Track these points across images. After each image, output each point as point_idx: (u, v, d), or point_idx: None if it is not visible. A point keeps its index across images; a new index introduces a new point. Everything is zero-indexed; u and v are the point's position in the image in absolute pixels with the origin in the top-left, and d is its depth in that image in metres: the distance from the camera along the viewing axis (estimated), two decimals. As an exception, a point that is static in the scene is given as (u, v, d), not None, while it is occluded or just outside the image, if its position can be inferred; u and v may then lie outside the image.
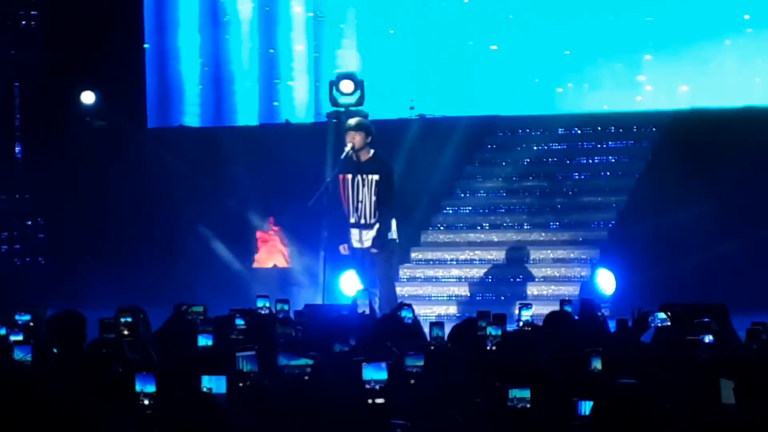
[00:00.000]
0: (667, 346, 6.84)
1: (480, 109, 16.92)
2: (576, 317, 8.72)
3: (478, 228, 15.54)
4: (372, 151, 12.42)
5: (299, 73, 18.03)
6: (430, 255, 15.27)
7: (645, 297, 10.93)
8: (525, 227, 15.44)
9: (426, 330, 8.32)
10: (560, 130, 16.25)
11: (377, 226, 12.35)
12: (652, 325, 8.20)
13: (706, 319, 8.16)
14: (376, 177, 12.30)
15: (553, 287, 14.32)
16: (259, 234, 15.84)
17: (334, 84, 15.33)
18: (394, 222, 12.53)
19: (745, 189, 14.54)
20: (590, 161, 16.03)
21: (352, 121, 12.68)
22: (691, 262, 14.07)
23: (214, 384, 5.31)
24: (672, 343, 6.86)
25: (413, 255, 15.19)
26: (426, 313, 13.29)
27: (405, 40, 17.62)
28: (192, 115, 18.16)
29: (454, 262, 15.14)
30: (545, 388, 5.21)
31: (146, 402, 5.39)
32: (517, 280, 14.63)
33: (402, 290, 13.51)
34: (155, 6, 18.08)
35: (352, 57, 17.67)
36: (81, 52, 16.96)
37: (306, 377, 5.65)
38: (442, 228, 15.71)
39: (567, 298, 10.12)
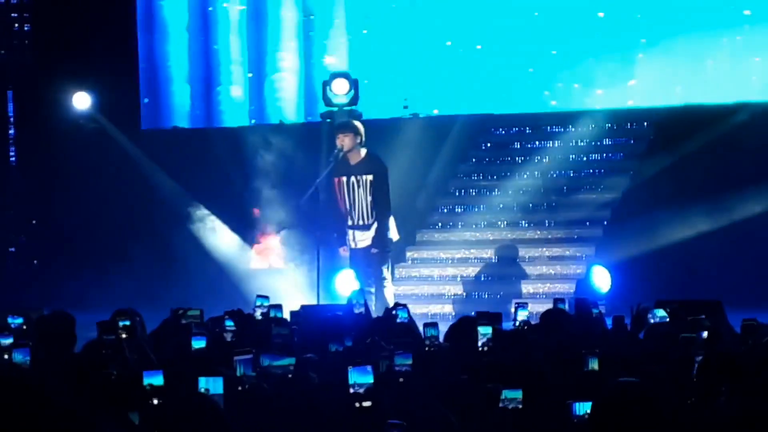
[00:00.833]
0: (662, 343, 6.84)
1: (474, 108, 16.92)
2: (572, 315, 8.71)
3: (473, 226, 15.54)
4: (364, 151, 12.41)
5: (290, 73, 18.02)
6: (425, 254, 15.28)
7: (640, 294, 10.90)
8: (520, 225, 15.44)
9: (421, 330, 8.31)
10: (554, 128, 16.25)
11: (375, 225, 12.35)
12: (651, 321, 8.20)
13: (702, 316, 8.17)
14: (370, 177, 12.30)
15: (548, 285, 14.34)
16: (258, 229, 15.82)
17: (327, 84, 15.29)
18: (392, 221, 12.52)
19: (739, 185, 14.53)
20: (584, 159, 16.03)
21: (340, 124, 12.67)
22: (685, 258, 14.08)
23: (211, 385, 5.30)
24: (667, 340, 6.86)
25: (408, 254, 15.19)
26: (421, 312, 13.30)
27: (397, 39, 17.61)
28: (182, 117, 18.16)
29: (450, 261, 15.14)
30: (539, 388, 5.20)
31: (155, 401, 5.39)
32: (513, 278, 14.64)
33: (398, 289, 13.51)
34: (145, 8, 18.07)
35: (343, 56, 17.67)
36: (73, 54, 16.95)
37: (290, 375, 5.64)
38: (437, 227, 15.71)
39: (561, 297, 10.12)
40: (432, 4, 17.46)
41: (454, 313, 13.76)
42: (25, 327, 8.32)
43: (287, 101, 18.01)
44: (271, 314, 8.86)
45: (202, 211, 15.95)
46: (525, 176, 15.88)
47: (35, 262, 17.54)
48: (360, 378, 5.48)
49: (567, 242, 14.99)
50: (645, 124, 16.00)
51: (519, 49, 17.10)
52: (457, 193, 16.12)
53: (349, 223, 12.41)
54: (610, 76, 16.88)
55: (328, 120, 15.12)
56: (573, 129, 16.12)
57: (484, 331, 7.20)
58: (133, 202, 16.74)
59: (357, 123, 12.78)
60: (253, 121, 17.74)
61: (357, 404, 5.16)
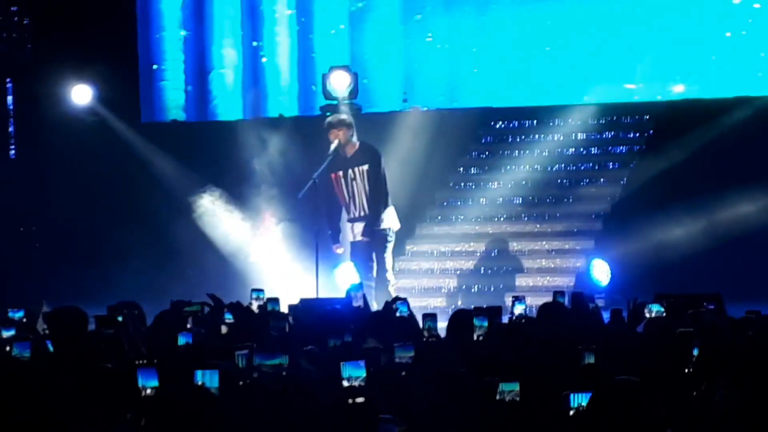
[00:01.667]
0: (659, 338, 6.83)
1: (474, 101, 16.92)
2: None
3: (473, 220, 15.52)
4: (357, 142, 12.41)
5: (286, 67, 18.03)
6: (425, 247, 15.27)
7: (640, 287, 10.94)
8: (520, 219, 15.42)
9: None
10: (554, 121, 16.24)
11: (368, 214, 12.30)
12: (648, 315, 8.21)
13: (707, 305, 8.19)
14: (365, 167, 12.29)
15: (548, 278, 14.34)
16: (257, 222, 15.82)
17: (326, 77, 15.28)
18: (391, 210, 12.45)
19: (740, 180, 14.53)
20: (584, 152, 16.02)
21: (332, 119, 12.63)
22: (685, 251, 14.07)
23: (207, 378, 5.30)
24: (664, 335, 6.85)
25: (408, 247, 15.18)
26: (421, 305, 13.28)
27: (397, 32, 17.62)
28: (179, 110, 18.18)
29: (449, 254, 15.14)
30: (536, 381, 5.21)
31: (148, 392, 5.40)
32: (512, 271, 14.64)
33: (397, 282, 13.51)
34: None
35: (343, 50, 17.67)
36: (74, 47, 16.95)
37: (284, 373, 5.65)
38: (436, 220, 15.70)
39: (560, 290, 10.12)
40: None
41: (453, 306, 13.75)
42: (25, 320, 8.33)
43: (285, 95, 18.03)
44: (269, 308, 8.86)
45: (202, 205, 15.93)
46: (524, 169, 15.85)
47: (35, 255, 17.52)
48: (354, 372, 5.48)
49: (566, 236, 14.99)
50: (646, 117, 15.98)
51: (519, 43, 17.11)
52: (456, 187, 16.11)
53: (350, 216, 12.38)
54: (611, 70, 16.89)
55: (328, 113, 15.10)
56: (573, 122, 16.10)
57: (480, 323, 7.21)
58: (133, 194, 16.73)
59: (346, 116, 12.75)
60: (248, 115, 17.75)
61: (350, 400, 5.16)
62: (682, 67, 16.65)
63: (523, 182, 15.67)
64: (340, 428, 4.72)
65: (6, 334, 7.41)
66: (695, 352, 5.98)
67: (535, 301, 12.47)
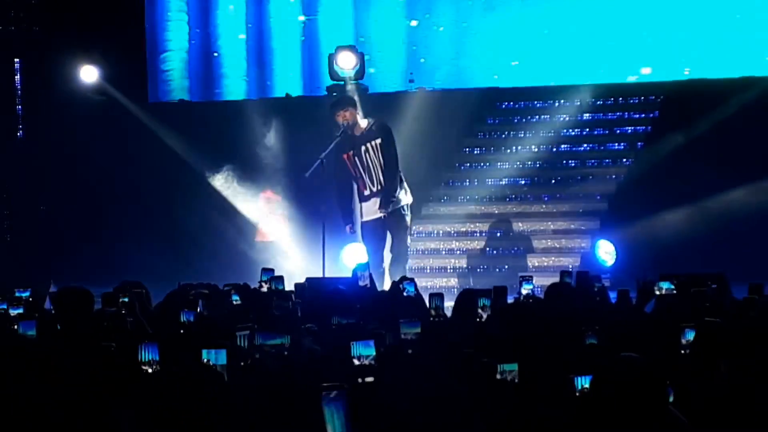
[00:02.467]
0: (670, 316, 6.82)
1: (480, 82, 16.91)
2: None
3: (479, 200, 15.54)
4: (366, 120, 12.36)
5: (295, 46, 18.04)
6: (431, 227, 15.30)
7: (645, 267, 10.93)
8: (525, 199, 15.44)
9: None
10: (560, 102, 16.23)
11: (384, 188, 12.20)
12: (657, 293, 8.20)
13: (710, 284, 8.20)
14: (378, 141, 12.21)
15: (553, 258, 14.36)
16: (263, 202, 15.84)
17: (333, 57, 15.27)
18: (405, 185, 12.37)
19: (745, 159, 14.54)
20: (590, 132, 16.03)
21: (338, 101, 12.58)
22: (690, 232, 14.09)
23: (213, 356, 5.32)
24: (675, 313, 6.86)
25: (414, 227, 15.19)
26: (427, 285, 13.31)
27: (403, 12, 17.61)
28: (184, 91, 18.21)
29: (455, 235, 15.17)
30: (538, 361, 5.23)
31: (149, 370, 5.44)
32: (518, 251, 14.67)
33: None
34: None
35: (349, 29, 17.67)
36: (81, 27, 16.96)
37: (285, 353, 5.67)
38: (442, 201, 15.72)
39: (567, 270, 10.13)
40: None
41: (459, 287, 13.78)
42: (31, 299, 8.38)
43: (292, 74, 18.05)
44: (273, 286, 8.90)
45: (210, 185, 15.97)
46: (530, 150, 15.86)
47: (41, 235, 17.56)
48: (364, 351, 5.51)
49: (572, 216, 15.01)
50: (652, 98, 15.98)
51: (526, 23, 17.09)
52: (462, 167, 16.12)
53: (366, 192, 12.26)
54: (620, 49, 16.86)
55: (335, 93, 15.11)
56: (579, 103, 16.10)
57: (483, 303, 7.23)
58: (141, 174, 16.76)
59: (351, 96, 12.72)
60: (255, 95, 17.77)
61: (359, 380, 5.18)
62: (690, 49, 16.61)
63: (529, 162, 15.67)
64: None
65: (14, 312, 7.47)
66: (689, 336, 5.97)
67: (540, 282, 12.50)
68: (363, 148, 12.16)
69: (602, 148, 15.82)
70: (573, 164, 15.71)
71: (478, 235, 15.06)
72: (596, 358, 5.19)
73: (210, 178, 15.84)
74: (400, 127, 14.76)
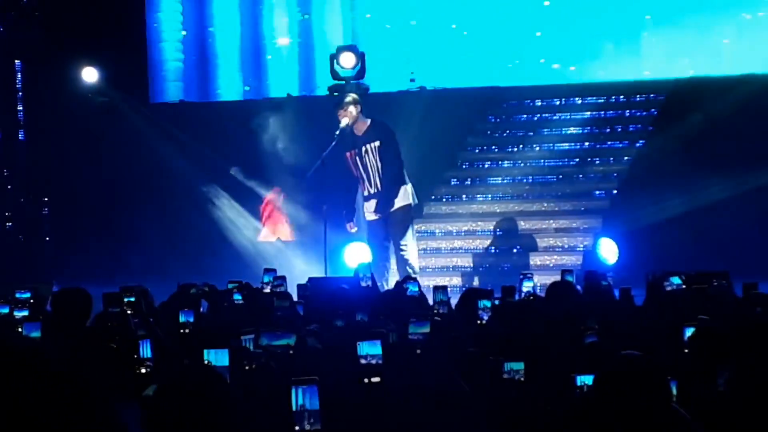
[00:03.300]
0: (678, 312, 6.80)
1: (481, 81, 16.91)
2: (579, 288, 8.71)
3: (481, 199, 15.54)
4: (368, 120, 12.39)
5: (293, 46, 18.04)
6: (433, 226, 15.29)
7: (647, 266, 10.92)
8: (527, 197, 15.45)
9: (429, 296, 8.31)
10: (561, 100, 16.24)
11: (380, 191, 12.24)
12: (667, 288, 8.18)
13: (714, 282, 8.18)
14: (376, 143, 12.25)
15: (555, 257, 14.36)
16: (265, 202, 15.84)
17: (334, 57, 15.25)
18: (408, 187, 12.38)
19: (746, 157, 14.53)
20: (591, 131, 16.03)
21: (338, 101, 12.61)
22: (692, 230, 14.08)
23: (214, 357, 5.29)
24: (683, 310, 6.83)
25: (416, 227, 15.17)
26: (429, 284, 13.29)
27: (404, 11, 17.59)
28: (183, 91, 18.21)
29: (457, 234, 15.16)
30: (541, 360, 5.23)
31: (144, 370, 5.43)
32: (520, 250, 14.66)
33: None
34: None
35: (349, 29, 17.66)
36: (82, 29, 16.96)
37: (291, 352, 5.66)
38: (444, 199, 15.72)
39: (568, 268, 10.13)
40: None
41: (461, 285, 13.78)
42: (32, 301, 8.38)
43: (292, 75, 18.04)
44: (275, 284, 8.90)
45: (212, 187, 15.98)
46: (532, 148, 15.88)
47: (46, 237, 17.57)
48: (370, 350, 5.50)
49: (574, 214, 15.00)
50: (653, 96, 15.97)
51: (526, 22, 17.07)
52: (464, 166, 16.12)
53: (365, 193, 12.32)
54: (619, 49, 16.85)
55: (335, 93, 15.10)
56: (580, 101, 16.10)
57: (484, 304, 7.22)
58: (142, 175, 16.77)
59: (353, 95, 12.72)
60: (252, 95, 17.76)
61: (366, 380, 5.17)
62: (693, 47, 16.59)
63: (531, 161, 15.69)
64: (354, 407, 4.75)
65: (18, 314, 7.47)
66: (689, 332, 5.96)
67: (542, 280, 12.50)
68: (363, 148, 12.21)
69: (604, 146, 15.82)
70: (575, 162, 15.72)
71: (480, 233, 15.05)
72: (598, 356, 5.19)
73: (211, 178, 15.85)
74: (402, 126, 14.74)
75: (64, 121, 17.14)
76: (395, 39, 17.48)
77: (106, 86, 16.90)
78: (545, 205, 15.25)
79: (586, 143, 15.92)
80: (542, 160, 15.75)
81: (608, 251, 13.66)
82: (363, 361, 5.40)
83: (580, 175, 15.52)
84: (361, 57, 15.15)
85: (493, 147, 16.13)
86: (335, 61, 15.18)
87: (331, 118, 12.56)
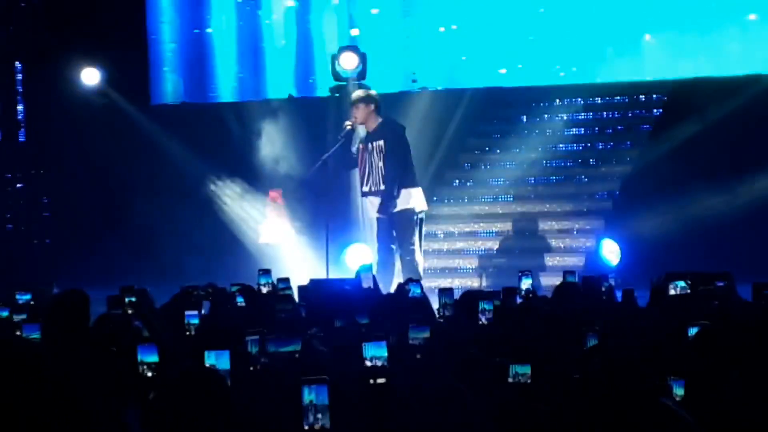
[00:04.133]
0: (681, 315, 6.76)
1: (483, 82, 16.87)
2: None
3: (483, 200, 15.51)
4: (380, 118, 12.38)
5: (292, 47, 18.02)
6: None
7: (650, 267, 10.90)
8: (530, 199, 15.42)
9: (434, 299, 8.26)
10: (563, 101, 16.21)
11: (382, 190, 12.20)
12: (672, 292, 8.14)
13: (718, 283, 8.15)
14: (380, 142, 12.23)
15: (558, 258, 14.33)
16: (267, 203, 15.80)
17: (335, 57, 15.23)
18: (415, 191, 12.30)
19: (750, 157, 14.50)
20: (594, 131, 16.01)
21: (351, 97, 12.62)
22: (695, 231, 14.05)
23: (215, 359, 5.25)
24: (686, 312, 6.79)
25: (417, 228, 15.15)
26: (430, 286, 13.25)
27: (406, 11, 17.56)
28: (184, 92, 18.20)
29: (459, 235, 15.13)
30: (544, 362, 5.19)
31: (149, 374, 5.39)
32: (522, 251, 14.63)
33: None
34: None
35: (352, 30, 17.64)
36: (83, 30, 16.93)
37: (296, 355, 5.63)
38: (446, 201, 15.69)
39: (570, 270, 10.08)
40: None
41: (462, 287, 13.74)
42: (33, 303, 8.33)
43: (293, 75, 18.02)
44: (279, 286, 8.85)
45: (213, 187, 15.95)
46: (534, 149, 15.84)
47: (47, 240, 17.54)
48: (376, 352, 5.47)
49: (577, 216, 14.98)
50: (656, 96, 15.94)
51: (529, 22, 17.04)
52: (466, 167, 16.10)
53: (365, 189, 12.30)
54: (621, 49, 16.81)
55: (337, 94, 15.08)
56: (583, 102, 16.07)
57: (483, 306, 7.18)
58: (143, 177, 16.75)
59: (369, 93, 12.65)
60: (254, 96, 17.74)
61: (371, 381, 5.15)
62: (697, 47, 16.55)
63: (533, 162, 15.66)
64: (359, 409, 4.72)
65: (18, 317, 7.42)
66: (692, 332, 5.92)
67: (545, 281, 12.48)
68: (370, 146, 12.22)
69: (606, 147, 15.79)
70: (577, 163, 15.69)
71: (482, 235, 15.03)
72: (596, 358, 5.15)
73: (212, 179, 15.82)
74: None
75: (64, 122, 17.11)
76: (396, 39, 17.45)
77: (107, 88, 16.86)
78: (547, 206, 15.23)
79: (589, 144, 15.90)
80: (544, 161, 15.73)
81: (611, 252, 13.63)
82: (368, 363, 5.37)
83: (583, 176, 15.50)
84: (362, 57, 15.12)
85: (496, 148, 16.10)
86: (336, 61, 15.16)
87: (333, 118, 12.55)
